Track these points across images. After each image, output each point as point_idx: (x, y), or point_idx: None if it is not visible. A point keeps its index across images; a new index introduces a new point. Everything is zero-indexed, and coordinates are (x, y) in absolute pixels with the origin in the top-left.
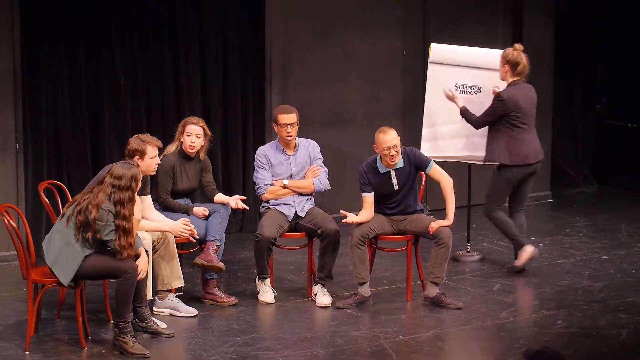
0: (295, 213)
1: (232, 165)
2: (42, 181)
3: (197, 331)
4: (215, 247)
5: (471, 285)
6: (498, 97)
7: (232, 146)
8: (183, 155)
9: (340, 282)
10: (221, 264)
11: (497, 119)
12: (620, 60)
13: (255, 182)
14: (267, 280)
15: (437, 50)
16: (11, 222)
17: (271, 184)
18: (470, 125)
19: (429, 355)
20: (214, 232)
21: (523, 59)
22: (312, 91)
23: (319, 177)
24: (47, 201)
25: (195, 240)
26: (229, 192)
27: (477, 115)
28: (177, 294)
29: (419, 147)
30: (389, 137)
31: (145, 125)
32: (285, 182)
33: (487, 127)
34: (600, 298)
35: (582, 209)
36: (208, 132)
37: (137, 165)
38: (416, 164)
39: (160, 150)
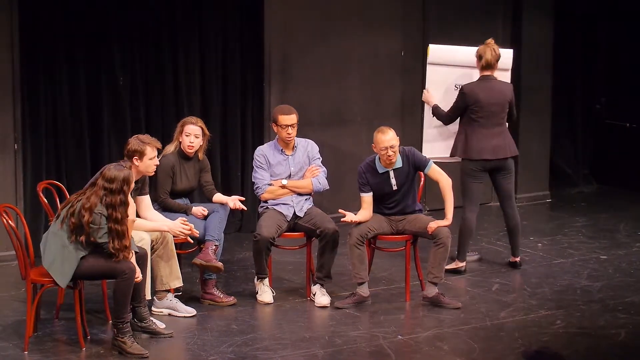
0: (294, 213)
1: (230, 165)
2: (41, 181)
3: (195, 331)
4: (214, 247)
5: (470, 285)
6: (460, 90)
7: (231, 146)
8: (182, 155)
9: (339, 282)
10: (220, 264)
11: (460, 112)
12: (620, 60)
13: (253, 182)
14: (266, 280)
15: (435, 51)
16: (10, 222)
17: (270, 184)
18: None
19: (427, 355)
20: (213, 232)
21: (487, 52)
22: (311, 91)
23: (317, 177)
24: (46, 201)
25: (194, 240)
26: (227, 192)
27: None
28: (176, 294)
29: (418, 147)
30: (387, 137)
31: (144, 125)
32: (284, 182)
33: None
34: (599, 298)
35: (581, 208)
36: (207, 132)
37: (131, 167)
38: (415, 164)
39: (159, 151)
